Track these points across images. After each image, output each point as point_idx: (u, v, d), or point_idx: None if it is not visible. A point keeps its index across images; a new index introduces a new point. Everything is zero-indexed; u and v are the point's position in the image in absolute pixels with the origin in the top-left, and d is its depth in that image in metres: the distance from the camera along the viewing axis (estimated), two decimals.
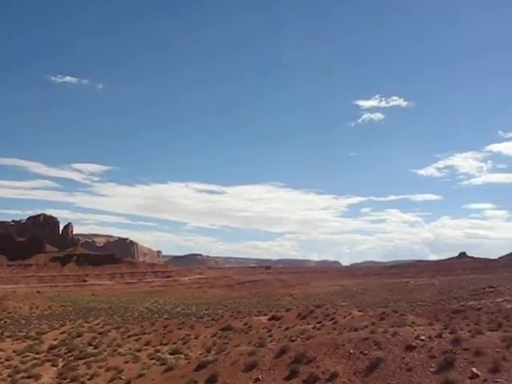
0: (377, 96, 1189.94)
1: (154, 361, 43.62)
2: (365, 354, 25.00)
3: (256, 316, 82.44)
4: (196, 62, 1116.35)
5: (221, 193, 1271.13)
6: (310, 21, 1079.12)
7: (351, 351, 25.70)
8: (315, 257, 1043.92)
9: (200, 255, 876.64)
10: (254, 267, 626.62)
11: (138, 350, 51.03)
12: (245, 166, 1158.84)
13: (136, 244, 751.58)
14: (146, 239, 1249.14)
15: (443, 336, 26.09)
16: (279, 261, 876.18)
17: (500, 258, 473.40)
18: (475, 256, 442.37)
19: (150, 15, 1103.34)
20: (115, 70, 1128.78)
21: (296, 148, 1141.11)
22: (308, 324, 62.84)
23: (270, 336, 54.78)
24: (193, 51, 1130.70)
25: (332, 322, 62.13)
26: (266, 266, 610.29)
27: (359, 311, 78.70)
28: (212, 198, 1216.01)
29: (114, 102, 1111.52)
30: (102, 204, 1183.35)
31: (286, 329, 60.44)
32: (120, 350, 51.72)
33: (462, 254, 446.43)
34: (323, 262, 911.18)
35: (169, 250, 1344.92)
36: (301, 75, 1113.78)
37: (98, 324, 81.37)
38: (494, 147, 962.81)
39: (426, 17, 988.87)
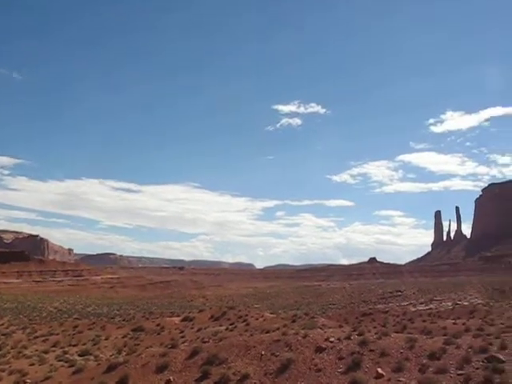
0: (296, 102, 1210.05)
1: (61, 363, 42.12)
2: (276, 356, 25.44)
3: (168, 317, 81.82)
4: (117, 61, 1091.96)
5: (137, 192, 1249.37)
6: (228, 24, 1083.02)
7: (263, 353, 26.07)
8: (229, 259, 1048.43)
9: (113, 254, 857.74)
10: (167, 268, 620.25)
11: (45, 352, 49.15)
12: (162, 166, 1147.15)
13: (46, 241, 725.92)
14: (58, 237, 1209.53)
15: (351, 338, 26.98)
16: (193, 262, 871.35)
17: (407, 263, 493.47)
18: (384, 261, 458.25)
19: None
20: (30, 59, 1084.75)
21: (214, 150, 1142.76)
22: (221, 325, 62.98)
23: (183, 337, 54.50)
24: (125, 51, 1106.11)
25: (244, 323, 62.55)
26: (179, 266, 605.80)
27: (271, 313, 79.79)
28: (128, 196, 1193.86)
29: (30, 92, 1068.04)
30: (12, 199, 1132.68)
31: (199, 330, 60.31)
32: (26, 351, 49.65)
33: (372, 259, 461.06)
34: (237, 264, 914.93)
35: (81, 249, 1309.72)
36: (221, 77, 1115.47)
37: (2, 324, 78.00)
38: (405, 157, 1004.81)
39: (348, 24, 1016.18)
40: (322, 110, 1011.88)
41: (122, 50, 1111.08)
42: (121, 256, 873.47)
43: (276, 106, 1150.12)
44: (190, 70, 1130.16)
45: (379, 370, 22.50)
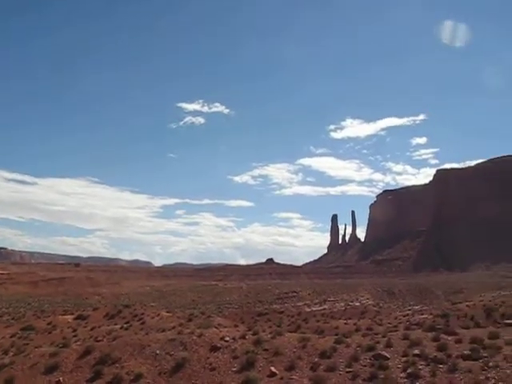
0: (200, 101, 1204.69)
1: None
2: (171, 355, 25.29)
3: (61, 315, 78.90)
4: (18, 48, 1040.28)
5: (32, 184, 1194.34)
6: (140, 22, 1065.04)
7: (157, 352, 25.82)
8: (127, 256, 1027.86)
9: (4, 249, 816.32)
10: (62, 264, 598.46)
11: None
12: (60, 159, 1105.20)
13: None
14: None
15: (246, 337, 27.33)
16: (90, 258, 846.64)
17: (303, 264, 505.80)
18: (281, 262, 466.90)
19: None
20: None
21: (115, 145, 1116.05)
22: (116, 324, 61.61)
23: (75, 336, 52.82)
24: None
25: (140, 322, 61.62)
26: (75, 263, 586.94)
27: (168, 312, 79.02)
28: (22, 188, 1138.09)
29: None
30: None
31: (93, 329, 58.65)
32: None
33: (270, 260, 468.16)
34: (135, 261, 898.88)
35: None
36: (126, 71, 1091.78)
37: None
38: (306, 161, 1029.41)
39: (259, 28, 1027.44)
40: (226, 111, 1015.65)
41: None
42: (12, 251, 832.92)
43: (180, 104, 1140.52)
44: (90, 62, 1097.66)
45: (272, 368, 22.93)
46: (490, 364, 20.89)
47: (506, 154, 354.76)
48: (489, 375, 19.77)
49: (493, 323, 43.99)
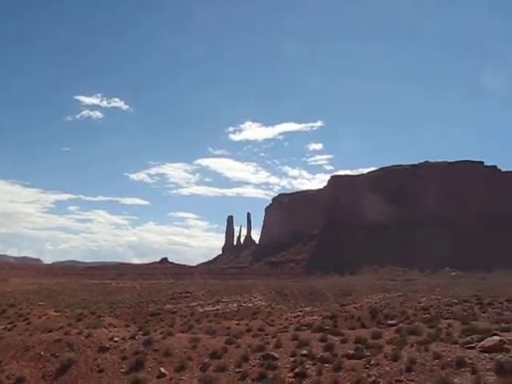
0: (99, 94, 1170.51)
1: None
2: (56, 357, 24.42)
3: None
4: None
5: None
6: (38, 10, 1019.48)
7: (42, 353, 24.85)
8: (15, 252, 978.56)
9: None
10: None
11: None
12: None
13: None
14: None
15: (136, 338, 26.91)
16: None
17: (198, 265, 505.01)
18: (176, 262, 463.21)
19: None
20: None
21: (5, 135, 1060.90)
22: None
23: None
24: None
25: (26, 322, 58.87)
26: None
27: (56, 311, 76.05)
28: None
29: None
30: None
31: None
32: None
33: (164, 260, 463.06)
34: (23, 258, 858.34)
35: None
36: (27, 64, 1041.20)
37: None
38: (203, 162, 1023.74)
39: (159, 25, 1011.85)
40: (125, 107, 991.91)
41: None
42: None
43: (78, 97, 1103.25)
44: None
45: (162, 369, 22.75)
46: (372, 362, 21.92)
47: (395, 164, 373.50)
48: (370, 372, 20.73)
49: (377, 324, 46.09)
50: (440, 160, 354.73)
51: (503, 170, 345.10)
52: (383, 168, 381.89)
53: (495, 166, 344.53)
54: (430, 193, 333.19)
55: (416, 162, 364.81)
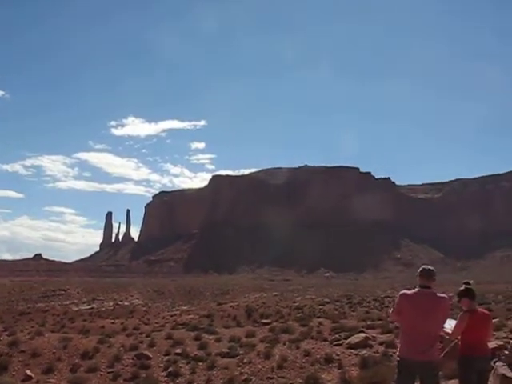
0: None
1: None
2: None
3: None
4: None
5: None
6: None
7: None
8: None
9: None
10: None
11: None
12: None
13: None
14: None
15: (1, 339, 25.55)
16: None
17: (74, 262, 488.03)
18: (51, 258, 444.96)
19: None
20: None
21: None
22: None
23: None
24: None
25: None
26: None
27: None
28: None
29: None
30: None
31: None
32: None
33: (38, 256, 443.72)
34: None
35: None
36: None
37: None
38: (83, 155, 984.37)
39: (42, 9, 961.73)
40: (1, 93, 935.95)
41: None
42: None
43: None
44: None
45: (28, 371, 21.70)
46: (245, 360, 22.32)
47: (275, 166, 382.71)
48: (243, 370, 21.09)
49: (252, 323, 46.90)
50: (319, 164, 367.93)
51: (377, 176, 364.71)
52: (264, 169, 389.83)
53: (369, 173, 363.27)
54: (308, 195, 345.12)
55: (296, 166, 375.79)
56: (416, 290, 7.14)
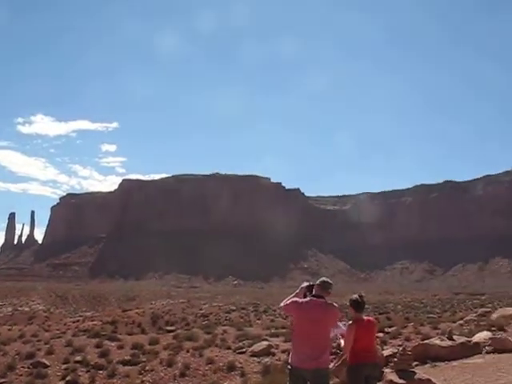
0: None
1: None
2: None
3: None
4: None
5: None
6: None
7: None
8: None
9: None
10: None
11: None
12: None
13: None
14: None
15: None
16: None
17: None
18: None
19: None
20: None
21: None
22: None
23: None
24: None
25: None
26: None
27: None
28: None
29: None
30: None
31: None
32: None
33: None
34: None
35: None
36: None
37: None
38: None
39: None
40: None
41: None
42: None
43: None
44: None
45: None
46: (147, 368, 22.05)
47: (186, 173, 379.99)
48: (144, 378, 20.84)
49: (157, 330, 46.36)
50: (231, 172, 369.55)
51: (287, 187, 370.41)
52: (175, 175, 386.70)
53: (280, 183, 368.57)
54: (218, 203, 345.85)
55: (208, 173, 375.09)
56: (308, 298, 7.22)
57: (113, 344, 26.84)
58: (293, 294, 7.51)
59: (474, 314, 45.34)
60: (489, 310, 50.52)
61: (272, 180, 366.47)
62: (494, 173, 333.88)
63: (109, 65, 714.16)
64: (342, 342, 7.76)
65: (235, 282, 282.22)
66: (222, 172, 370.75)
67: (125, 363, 22.97)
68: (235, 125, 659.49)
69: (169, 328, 45.15)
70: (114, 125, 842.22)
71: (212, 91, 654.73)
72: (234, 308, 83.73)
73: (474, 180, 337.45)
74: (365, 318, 7.85)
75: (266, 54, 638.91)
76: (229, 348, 26.90)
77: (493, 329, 26.65)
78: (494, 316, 36.22)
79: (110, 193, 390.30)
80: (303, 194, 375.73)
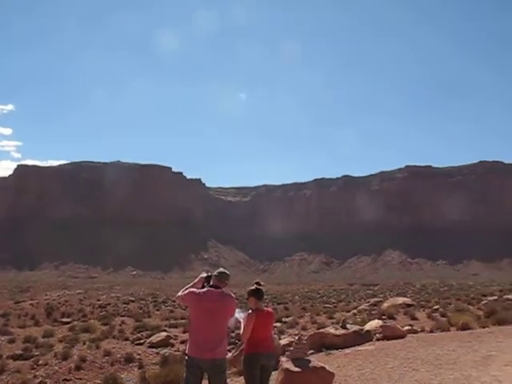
0: None
1: None
2: None
3: None
4: None
5: None
6: None
7: None
8: None
9: None
10: None
11: None
12: None
13: None
14: None
15: None
16: None
17: None
18: None
19: None
20: None
21: None
22: None
23: None
24: None
25: None
26: None
27: None
28: None
29: None
30: None
31: None
32: None
33: None
34: None
35: None
36: None
37: None
38: None
39: None
40: None
41: None
42: None
43: None
44: None
45: None
46: (41, 362, 21.32)
47: (86, 160, 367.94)
48: (37, 373, 20.11)
49: (53, 322, 44.89)
50: (133, 161, 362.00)
51: (188, 177, 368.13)
52: (75, 162, 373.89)
53: (181, 173, 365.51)
54: (118, 192, 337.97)
55: (108, 161, 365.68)
56: (205, 289, 7.27)
57: (3, 338, 25.74)
58: (190, 284, 7.54)
59: (367, 304, 47.61)
60: (380, 299, 53.23)
61: (174, 169, 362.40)
62: (388, 169, 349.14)
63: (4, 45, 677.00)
64: (241, 331, 7.88)
65: (134, 273, 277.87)
66: (123, 160, 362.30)
67: (16, 358, 22.04)
68: (139, 115, 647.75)
69: (65, 320, 43.86)
70: (10, 107, 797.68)
71: (116, 78, 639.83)
72: (133, 299, 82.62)
73: (370, 176, 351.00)
74: (264, 308, 8.04)
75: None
76: (127, 339, 26.60)
77: (383, 317, 28.17)
78: (385, 305, 38.31)
79: (5, 178, 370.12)
80: (204, 184, 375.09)
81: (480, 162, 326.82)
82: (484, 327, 21.82)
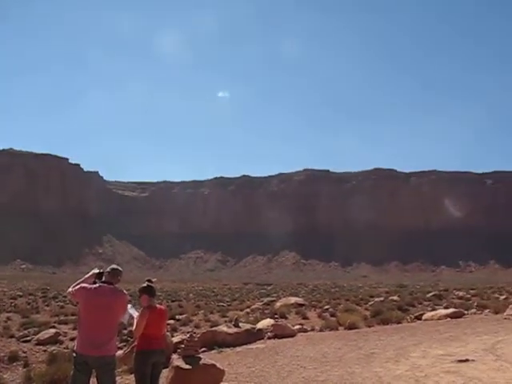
0: None
1: None
2: None
3: None
4: None
5: None
6: None
7: None
8: None
9: None
10: None
11: None
12: None
13: None
14: None
15: None
16: None
17: None
18: None
19: None
20: None
21: None
22: None
23: None
24: None
25: None
26: None
27: None
28: None
29: None
30: None
31: None
32: None
33: None
34: None
35: None
36: None
37: None
38: None
39: None
40: None
41: None
42: None
43: None
44: None
45: None
46: None
47: None
48: None
49: None
50: (26, 150, 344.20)
51: (85, 169, 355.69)
52: None
53: (78, 164, 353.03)
54: (9, 180, 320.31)
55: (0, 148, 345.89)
56: (97, 285, 7.16)
57: None
58: (81, 279, 7.39)
59: (260, 303, 48.45)
60: (273, 299, 54.30)
61: (71, 161, 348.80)
62: (287, 171, 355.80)
63: None
64: (134, 327, 7.88)
65: (23, 266, 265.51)
66: (16, 148, 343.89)
67: None
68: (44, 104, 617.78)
69: None
70: None
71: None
72: (21, 294, 79.29)
73: (269, 177, 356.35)
74: (157, 306, 8.09)
75: None
76: (12, 336, 25.55)
77: (276, 316, 28.86)
78: (278, 305, 39.24)
79: None
80: (102, 177, 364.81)
81: (375, 169, 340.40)
82: (370, 326, 23.04)
